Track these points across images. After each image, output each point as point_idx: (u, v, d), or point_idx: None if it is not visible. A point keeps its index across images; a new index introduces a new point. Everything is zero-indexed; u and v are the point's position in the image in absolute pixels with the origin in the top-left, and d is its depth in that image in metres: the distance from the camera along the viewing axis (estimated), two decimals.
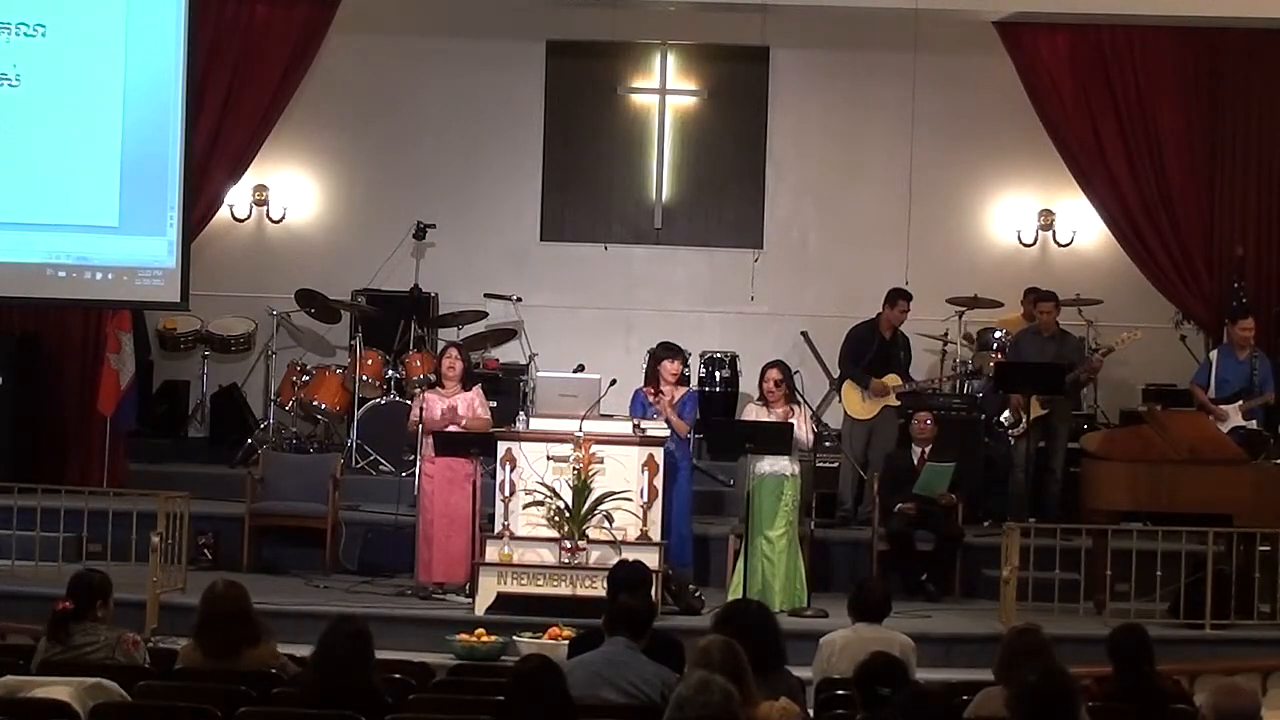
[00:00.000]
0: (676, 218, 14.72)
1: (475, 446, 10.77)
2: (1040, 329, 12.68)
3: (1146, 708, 6.61)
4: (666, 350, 11.39)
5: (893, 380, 12.46)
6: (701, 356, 13.71)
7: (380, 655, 6.59)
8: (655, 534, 10.46)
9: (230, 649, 6.79)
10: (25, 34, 12.04)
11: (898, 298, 12.56)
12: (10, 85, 12.06)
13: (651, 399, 11.16)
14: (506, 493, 10.53)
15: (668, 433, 10.88)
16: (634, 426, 10.67)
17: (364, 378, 13.14)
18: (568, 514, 10.33)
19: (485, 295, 14.07)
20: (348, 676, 6.24)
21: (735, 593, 10.33)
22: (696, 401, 11.59)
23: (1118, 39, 13.23)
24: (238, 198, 14.30)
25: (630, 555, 9.42)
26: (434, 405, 11.08)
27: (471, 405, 11.13)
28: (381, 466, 12.79)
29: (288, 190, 14.66)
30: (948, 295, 13.81)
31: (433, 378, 11.56)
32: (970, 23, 13.49)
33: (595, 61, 14.72)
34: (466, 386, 11.20)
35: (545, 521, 10.43)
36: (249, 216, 14.62)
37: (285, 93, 13.28)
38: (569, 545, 10.26)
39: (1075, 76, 13.28)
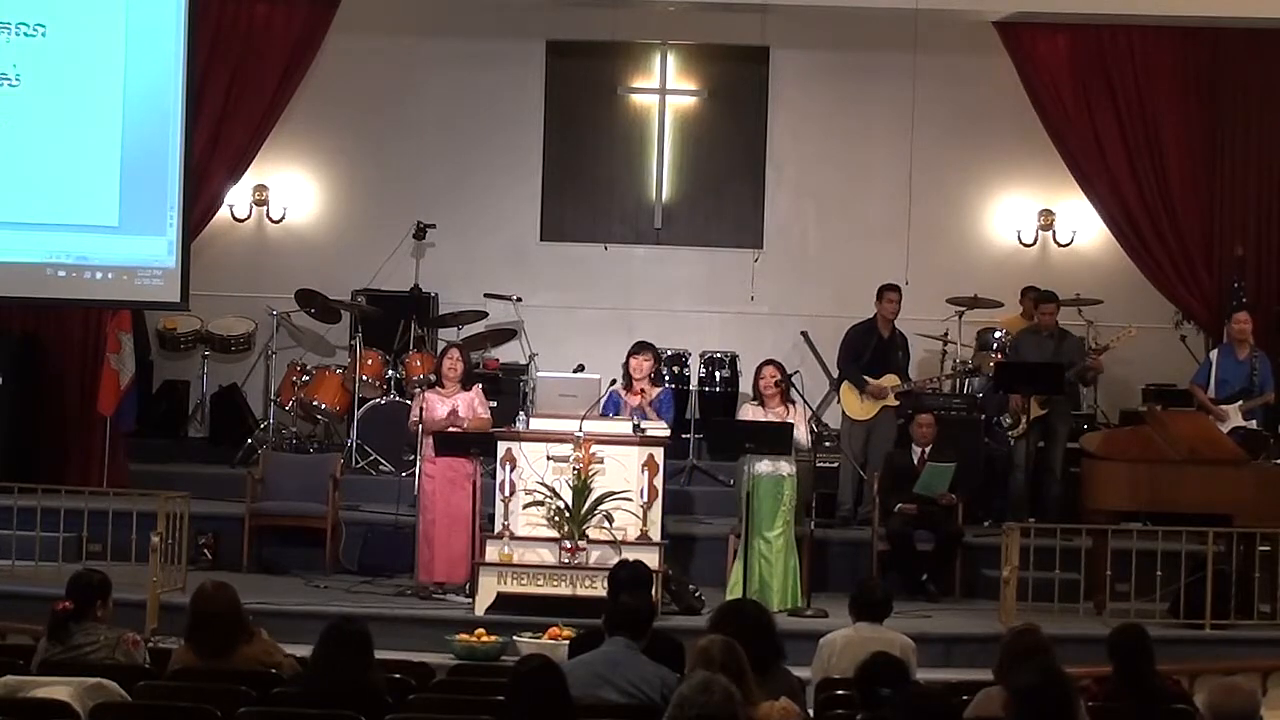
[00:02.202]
0: (676, 218, 14.72)
1: (475, 446, 10.78)
2: (1040, 328, 12.69)
3: (1146, 708, 6.61)
4: (634, 348, 11.38)
5: (891, 380, 12.47)
6: (701, 356, 13.73)
7: (380, 655, 6.60)
8: (655, 534, 10.46)
9: (223, 648, 6.78)
10: (25, 34, 12.04)
11: (885, 290, 12.59)
12: (10, 85, 12.05)
13: (625, 396, 11.15)
14: (506, 493, 10.53)
15: (667, 432, 10.88)
16: (634, 427, 10.67)
17: (364, 378, 13.14)
18: (568, 514, 10.32)
19: (485, 295, 14.07)
20: (348, 676, 6.25)
21: (734, 592, 10.33)
22: (672, 400, 11.53)
23: (1118, 39, 13.24)
24: (238, 198, 14.31)
25: (630, 555, 9.42)
26: (434, 405, 11.09)
27: (471, 405, 11.13)
28: (381, 466, 12.79)
29: (288, 190, 14.67)
30: (948, 295, 13.81)
31: (433, 378, 11.55)
32: (970, 23, 13.50)
33: (595, 61, 14.72)
34: (466, 386, 11.20)
35: (545, 521, 10.43)
36: (249, 216, 14.62)
37: (285, 93, 13.28)
38: (569, 545, 10.26)
39: (1075, 76, 13.28)
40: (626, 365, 11.30)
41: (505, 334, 13.99)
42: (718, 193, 14.78)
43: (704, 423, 12.95)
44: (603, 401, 10.90)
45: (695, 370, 13.68)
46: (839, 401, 12.70)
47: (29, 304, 12.57)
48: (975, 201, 14.61)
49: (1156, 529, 10.71)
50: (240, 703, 6.25)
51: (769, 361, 11.16)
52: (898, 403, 12.47)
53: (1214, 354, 12.52)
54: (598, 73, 14.74)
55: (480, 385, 11.52)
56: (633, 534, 10.40)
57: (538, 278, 14.48)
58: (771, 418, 10.87)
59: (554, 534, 10.36)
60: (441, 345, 12.85)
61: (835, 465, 12.61)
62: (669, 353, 13.40)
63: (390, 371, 13.25)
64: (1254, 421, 12.11)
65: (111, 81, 12.08)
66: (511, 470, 10.52)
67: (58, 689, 6.20)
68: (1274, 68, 13.31)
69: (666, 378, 12.76)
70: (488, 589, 10.29)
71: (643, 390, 11.18)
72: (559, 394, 10.89)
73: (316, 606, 10.12)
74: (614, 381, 11.11)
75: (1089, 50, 13.26)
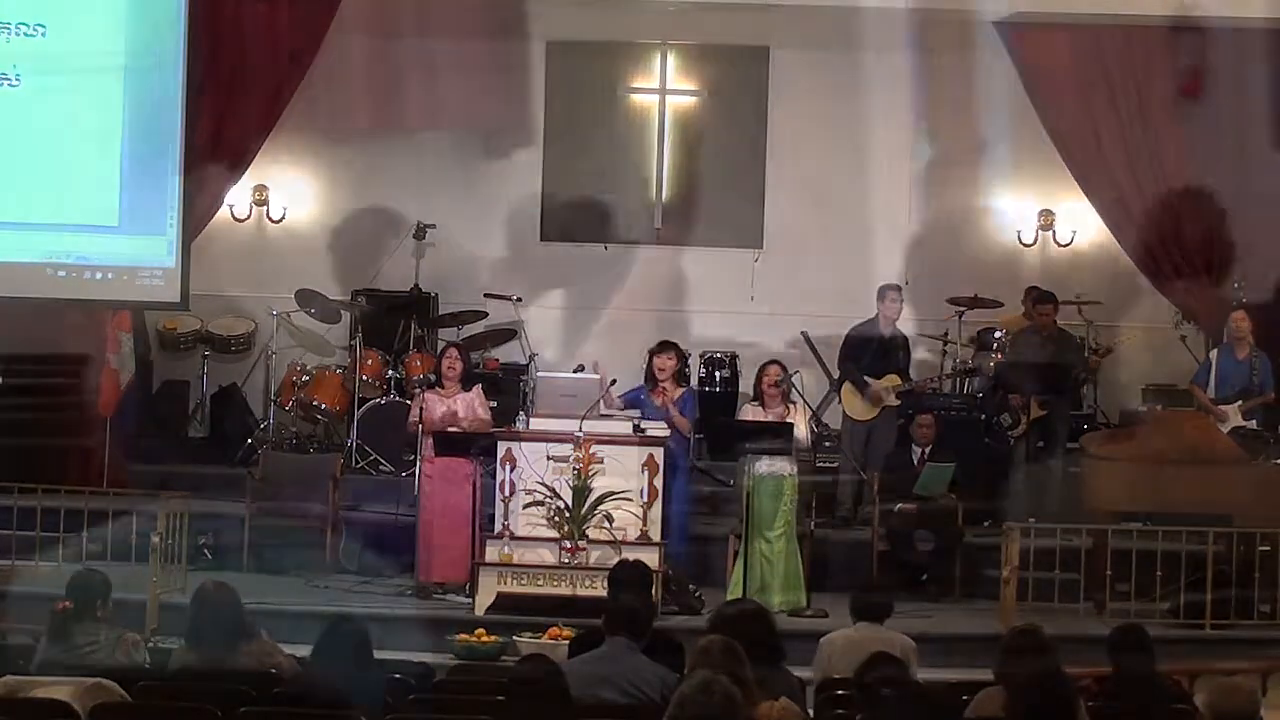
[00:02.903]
0: (676, 218, 14.70)
1: (475, 446, 10.78)
2: (1038, 328, 12.69)
3: (1146, 708, 6.62)
4: (657, 346, 11.43)
5: (891, 380, 12.46)
6: (701, 356, 13.72)
7: (380, 655, 6.60)
8: (655, 534, 10.47)
9: (224, 649, 6.79)
10: (25, 34, 12.03)
11: (886, 290, 12.59)
12: (10, 85, 12.05)
13: (652, 396, 11.17)
14: (506, 493, 10.54)
15: (668, 432, 10.89)
16: (634, 426, 10.68)
17: (364, 378, 13.14)
18: (568, 514, 10.33)
19: (485, 295, 14.06)
20: (347, 677, 6.25)
21: (735, 592, 10.34)
22: (695, 401, 11.58)
23: (1118, 39, 13.22)
24: (238, 198, 14.29)
25: (630, 555, 9.44)
26: (434, 405, 11.09)
27: (471, 405, 11.13)
28: (381, 466, 12.79)
29: (288, 190, 14.66)
30: (948, 295, 13.81)
31: (433, 378, 11.56)
32: (970, 23, 13.49)
33: (595, 61, 14.71)
34: (466, 387, 11.21)
35: (545, 521, 10.44)
36: (249, 216, 14.61)
37: (285, 93, 13.26)
38: (569, 545, 10.27)
39: (1075, 76, 13.27)
40: (650, 364, 11.32)
41: (505, 334, 13.98)
42: (718, 193, 14.77)
43: (704, 423, 12.94)
44: (626, 394, 10.91)
45: (695, 370, 13.67)
46: (839, 402, 12.70)
47: (29, 304, 12.56)
48: (975, 201, 14.60)
49: (1156, 529, 10.72)
50: (240, 703, 6.25)
51: (772, 361, 11.19)
52: (898, 403, 12.48)
53: (1214, 354, 12.52)
54: (598, 73, 14.72)
55: (480, 385, 11.53)
56: (633, 534, 10.41)
57: (538, 278, 14.47)
58: (771, 418, 10.88)
59: (554, 534, 10.37)
60: (441, 345, 12.85)
61: (835, 465, 12.61)
62: None
63: (390, 371, 13.25)
64: (1254, 421, 12.12)
65: (111, 81, 12.07)
66: (511, 470, 10.53)
67: (58, 689, 6.21)
68: (1273, 67, 13.30)
69: (697, 378, 12.80)
70: (488, 589, 10.30)
71: (665, 389, 11.20)
72: (559, 394, 10.91)
73: (316, 606, 10.13)
74: (613, 381, 11.11)
75: (1089, 50, 13.24)
